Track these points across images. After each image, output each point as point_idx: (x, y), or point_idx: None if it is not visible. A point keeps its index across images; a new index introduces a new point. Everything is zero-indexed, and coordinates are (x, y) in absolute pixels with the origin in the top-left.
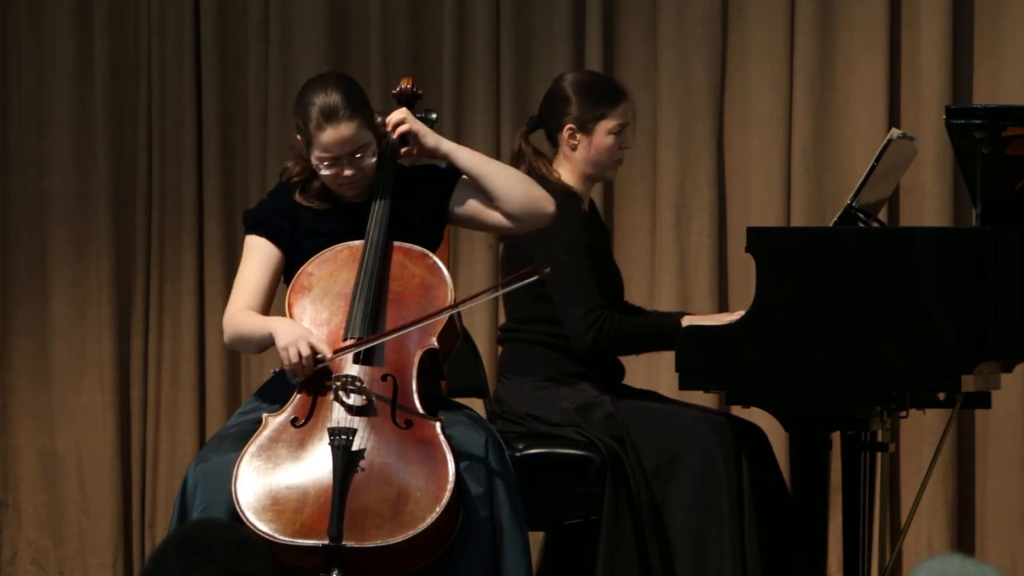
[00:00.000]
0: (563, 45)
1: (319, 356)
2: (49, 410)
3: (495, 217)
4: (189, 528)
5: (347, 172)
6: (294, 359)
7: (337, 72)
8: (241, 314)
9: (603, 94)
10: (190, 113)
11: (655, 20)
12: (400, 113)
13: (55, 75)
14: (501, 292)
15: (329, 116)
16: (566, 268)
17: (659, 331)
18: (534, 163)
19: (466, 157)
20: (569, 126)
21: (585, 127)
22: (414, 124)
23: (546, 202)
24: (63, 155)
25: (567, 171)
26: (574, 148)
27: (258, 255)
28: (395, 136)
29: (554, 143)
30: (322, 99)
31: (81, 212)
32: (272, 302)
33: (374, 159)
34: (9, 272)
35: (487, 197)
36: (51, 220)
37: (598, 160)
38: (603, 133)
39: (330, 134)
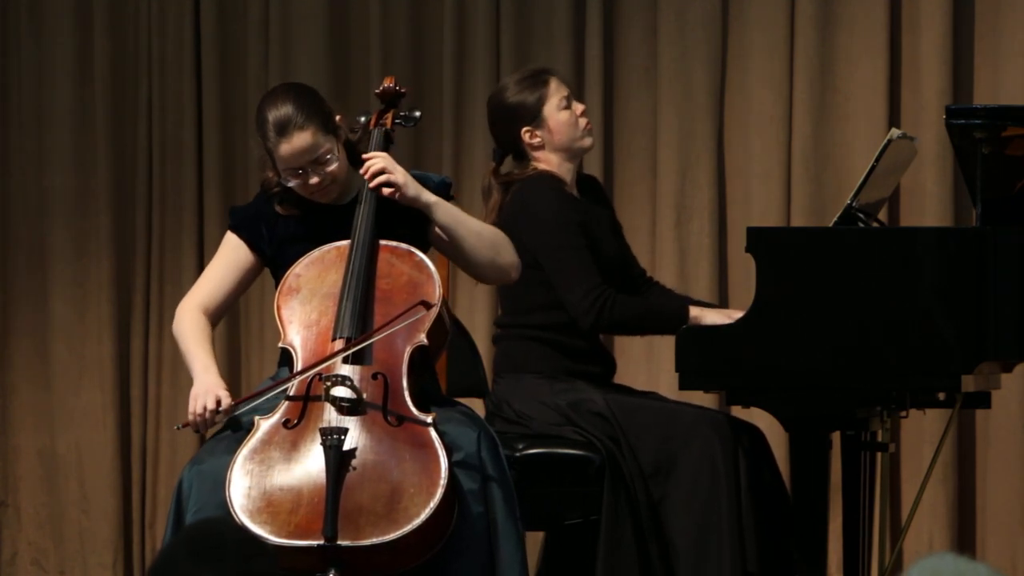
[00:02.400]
0: (563, 45)
1: (220, 410)
2: (49, 410)
3: (462, 263)
4: (199, 527)
5: (312, 180)
6: (198, 410)
7: (289, 83)
8: (191, 319)
9: (531, 82)
10: (190, 113)
11: (655, 20)
12: (380, 161)
13: (55, 75)
14: (394, 329)
15: (282, 129)
16: (563, 251)
17: (662, 316)
18: (506, 180)
19: (442, 214)
20: (525, 129)
21: (536, 120)
22: (394, 175)
23: (511, 269)
24: (63, 155)
25: (545, 168)
26: (540, 145)
27: (231, 255)
28: (371, 185)
29: (523, 156)
30: (274, 113)
31: (81, 212)
32: (233, 303)
33: (338, 164)
34: (9, 272)
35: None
36: (51, 220)
37: (566, 138)
38: (555, 113)
39: (285, 147)
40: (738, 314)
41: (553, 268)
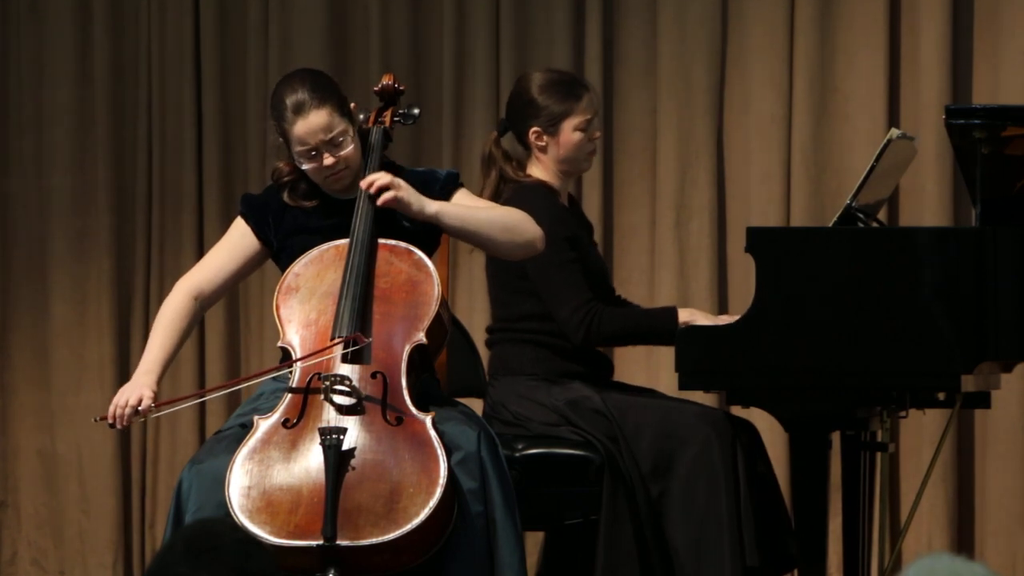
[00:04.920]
0: (563, 45)
1: (140, 409)
2: (49, 410)
3: (484, 251)
4: (195, 528)
5: (327, 161)
6: (120, 403)
7: (304, 68)
8: (174, 307)
9: (564, 92)
10: (190, 113)
11: (655, 20)
12: (385, 177)
13: (55, 75)
14: (333, 355)
15: (298, 108)
16: (550, 267)
17: (653, 326)
18: (504, 167)
19: (452, 216)
20: (534, 128)
21: (550, 128)
22: (399, 191)
23: (534, 243)
24: (63, 155)
25: (541, 170)
26: (543, 149)
27: (237, 241)
28: (379, 203)
29: (525, 145)
30: (291, 95)
31: (81, 212)
32: (231, 289)
33: (353, 147)
34: (9, 272)
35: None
36: (51, 220)
37: (569, 157)
38: (569, 130)
39: (301, 125)
40: (726, 319)
41: (542, 284)
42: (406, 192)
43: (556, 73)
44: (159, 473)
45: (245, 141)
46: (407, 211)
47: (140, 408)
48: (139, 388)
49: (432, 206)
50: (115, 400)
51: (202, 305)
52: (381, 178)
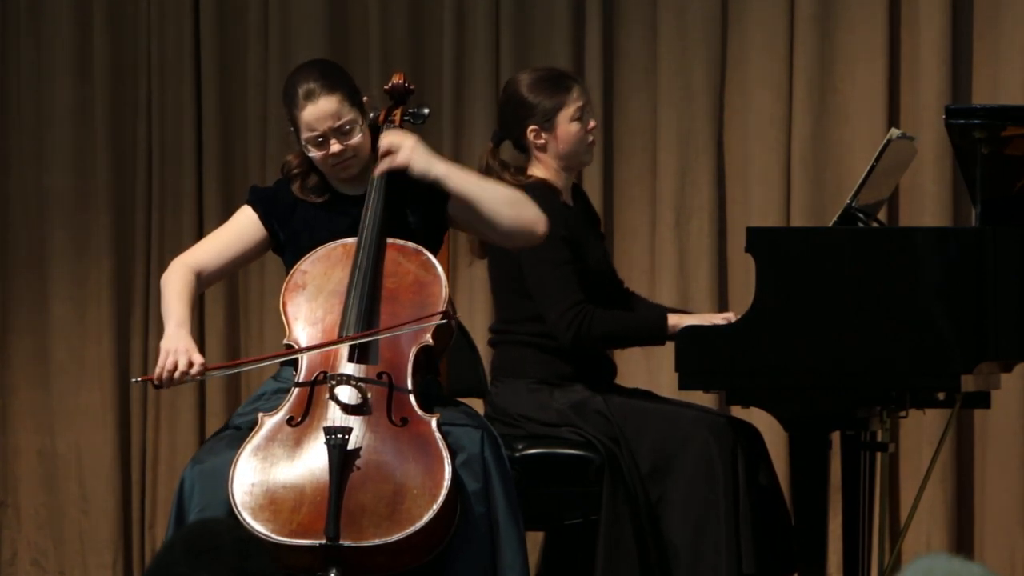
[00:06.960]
0: (563, 45)
1: (191, 374)
2: (49, 410)
3: (486, 230)
4: (195, 528)
5: (334, 148)
6: (168, 367)
7: (318, 58)
8: (180, 275)
9: (553, 86)
10: (190, 113)
11: (655, 20)
12: (384, 142)
13: (55, 75)
14: (404, 331)
15: (309, 94)
16: (544, 265)
17: (642, 328)
18: (503, 177)
19: (457, 181)
20: (532, 128)
21: (547, 123)
22: (402, 154)
23: (536, 224)
24: (63, 155)
25: (543, 171)
26: (543, 148)
27: (242, 227)
28: (377, 172)
29: (523, 149)
30: (303, 82)
31: (81, 212)
32: (226, 276)
33: (361, 137)
34: (9, 272)
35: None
36: (51, 220)
37: (570, 150)
38: (566, 122)
39: (311, 110)
40: (716, 318)
41: (534, 282)
42: (406, 154)
43: (541, 70)
44: (159, 473)
45: (245, 141)
46: (412, 170)
47: (192, 372)
48: (187, 350)
49: (439, 167)
50: (161, 363)
51: (201, 284)
52: (381, 146)
